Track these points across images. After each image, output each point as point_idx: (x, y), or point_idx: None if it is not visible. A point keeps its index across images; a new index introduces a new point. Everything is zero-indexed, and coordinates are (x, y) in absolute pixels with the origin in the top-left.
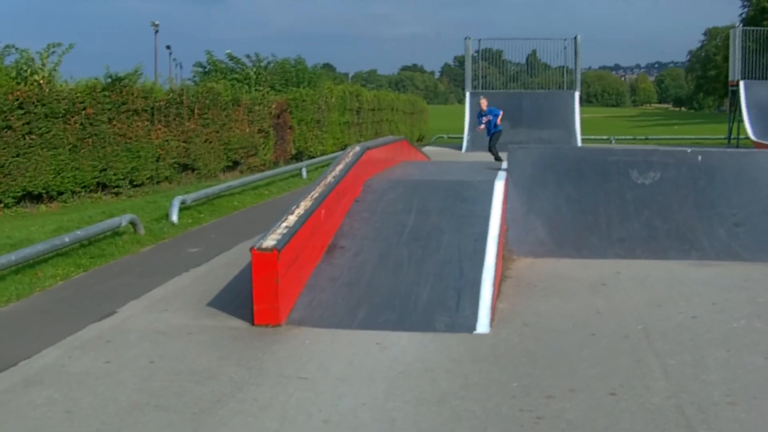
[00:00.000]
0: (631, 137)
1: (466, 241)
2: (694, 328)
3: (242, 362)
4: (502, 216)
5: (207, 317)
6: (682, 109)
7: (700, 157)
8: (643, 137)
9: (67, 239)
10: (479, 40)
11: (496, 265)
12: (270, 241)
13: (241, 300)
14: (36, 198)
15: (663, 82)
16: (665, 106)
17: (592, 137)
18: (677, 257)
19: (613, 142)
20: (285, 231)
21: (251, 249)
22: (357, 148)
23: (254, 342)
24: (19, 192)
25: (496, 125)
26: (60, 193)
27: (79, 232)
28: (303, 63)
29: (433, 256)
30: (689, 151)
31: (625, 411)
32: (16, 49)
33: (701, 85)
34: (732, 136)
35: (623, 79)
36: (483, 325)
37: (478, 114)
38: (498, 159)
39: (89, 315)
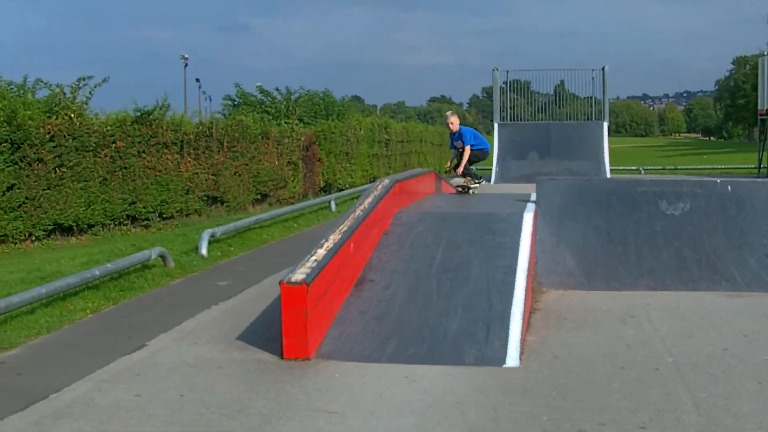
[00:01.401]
0: (660, 167)
1: (495, 273)
2: (725, 359)
3: (271, 396)
4: (531, 248)
5: (236, 350)
6: (711, 138)
7: (729, 187)
8: (672, 167)
9: (97, 272)
10: (507, 72)
11: (526, 297)
12: (299, 275)
13: (270, 333)
14: (66, 230)
15: (692, 111)
16: (694, 135)
17: (621, 168)
18: (707, 287)
19: (642, 172)
20: (314, 264)
21: (280, 283)
22: (386, 181)
23: (283, 375)
24: (49, 224)
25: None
26: (90, 226)
27: (109, 265)
28: (331, 95)
29: (463, 289)
30: (719, 181)
31: None
32: (46, 84)
33: (730, 114)
34: (762, 165)
35: (651, 108)
36: (512, 358)
37: (450, 137)
38: (475, 178)
39: (119, 348)
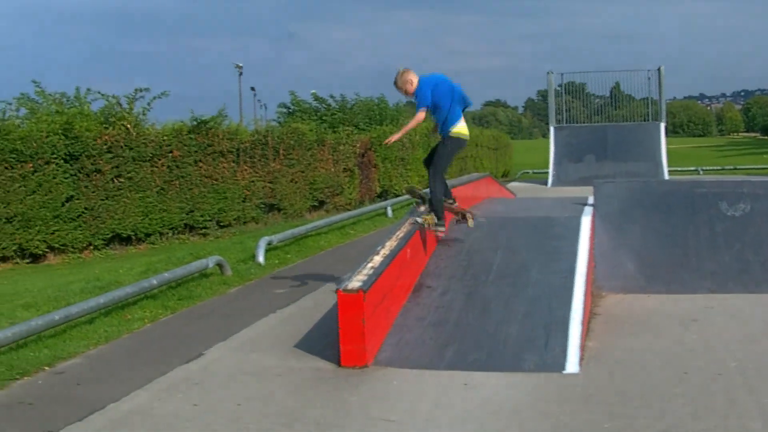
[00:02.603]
0: (719, 167)
1: (553, 278)
2: None
3: (328, 404)
4: (589, 252)
5: (294, 359)
6: None
7: None
8: (731, 167)
9: (155, 281)
10: (561, 74)
11: (585, 302)
12: (356, 282)
13: (328, 341)
14: (125, 240)
15: (750, 110)
16: (753, 134)
17: (679, 168)
18: None
19: (701, 172)
20: (371, 272)
21: (337, 290)
22: None
23: (341, 383)
24: (108, 234)
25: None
26: (148, 235)
27: (166, 275)
28: (385, 101)
29: (521, 294)
30: None
31: None
32: (102, 94)
33: None
34: None
35: (709, 108)
36: (572, 364)
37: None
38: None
39: (177, 357)
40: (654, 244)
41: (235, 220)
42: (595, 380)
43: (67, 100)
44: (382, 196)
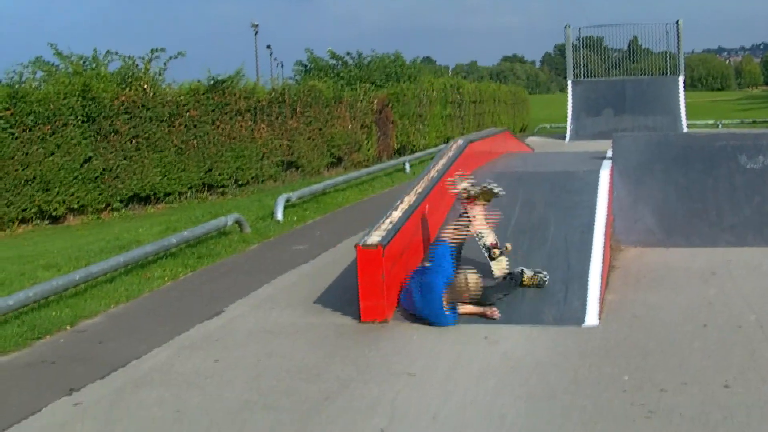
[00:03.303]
0: (738, 121)
1: (572, 232)
2: None
3: (349, 359)
4: (608, 206)
5: (314, 315)
6: None
7: None
8: (750, 120)
9: (174, 240)
10: (579, 28)
11: (604, 256)
12: (375, 238)
13: (347, 297)
14: (143, 200)
15: None
16: None
17: (698, 122)
18: None
19: (719, 126)
20: (389, 227)
21: (356, 246)
22: (460, 142)
23: (361, 339)
24: (126, 194)
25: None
26: (167, 195)
27: (185, 233)
28: (402, 58)
29: (540, 249)
30: None
31: (741, 404)
32: (119, 55)
33: None
34: None
35: (727, 62)
36: (592, 317)
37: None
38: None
39: (197, 315)
40: (673, 198)
41: (253, 178)
42: (614, 334)
43: (85, 62)
44: (400, 152)
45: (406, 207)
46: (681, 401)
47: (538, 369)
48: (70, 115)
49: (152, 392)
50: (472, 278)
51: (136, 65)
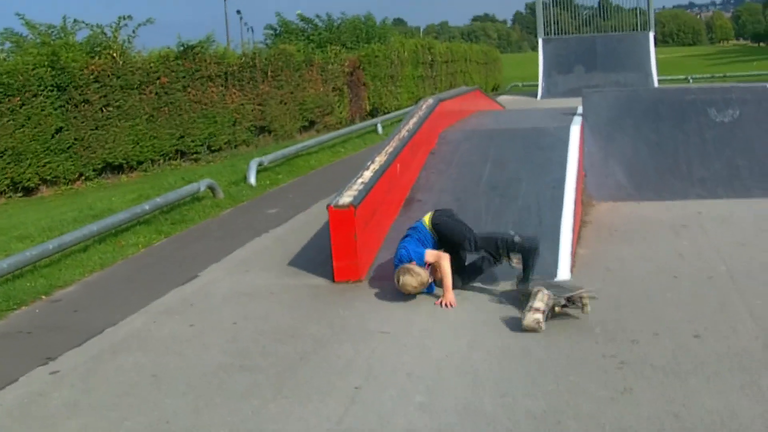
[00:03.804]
0: (708, 75)
1: (543, 188)
2: None
3: (324, 320)
4: (579, 161)
5: (288, 277)
6: (761, 44)
7: None
8: (721, 75)
9: (147, 207)
10: None
11: (575, 211)
12: (346, 198)
13: (321, 258)
14: (116, 169)
15: (740, 18)
16: (743, 42)
17: (670, 78)
18: (760, 195)
19: (690, 81)
20: (361, 187)
21: (328, 207)
22: (430, 101)
23: (336, 299)
24: (99, 164)
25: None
26: (140, 163)
27: (158, 200)
28: (372, 19)
29: (511, 205)
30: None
31: (711, 353)
32: (86, 24)
33: None
34: None
35: (698, 17)
36: (564, 271)
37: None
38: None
39: (172, 280)
40: (644, 153)
41: (225, 144)
42: (587, 286)
43: (53, 32)
44: (373, 114)
45: (377, 167)
46: (652, 352)
47: (511, 324)
48: (39, 86)
49: (129, 358)
50: (402, 280)
51: (105, 33)
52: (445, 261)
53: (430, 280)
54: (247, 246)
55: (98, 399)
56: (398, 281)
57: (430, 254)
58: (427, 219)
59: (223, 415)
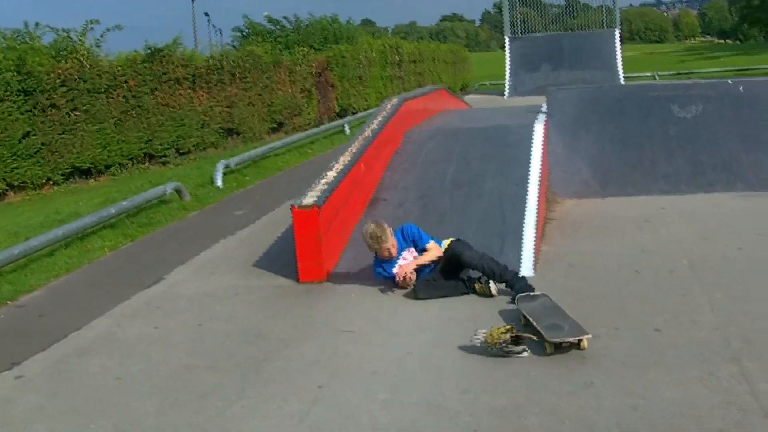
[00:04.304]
0: (675, 72)
1: (507, 185)
2: (740, 259)
3: (289, 320)
4: (543, 159)
5: (254, 277)
6: (727, 41)
7: (741, 87)
8: (687, 72)
9: (113, 210)
10: None
11: (539, 207)
12: (310, 199)
13: (286, 258)
14: (85, 173)
15: (706, 15)
16: (710, 39)
17: (636, 75)
18: (723, 190)
19: (656, 78)
20: (325, 187)
21: (291, 207)
22: (394, 100)
23: (300, 299)
24: (67, 168)
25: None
26: (108, 167)
27: (124, 203)
28: (338, 20)
29: (476, 203)
30: (730, 82)
31: (671, 346)
32: (51, 28)
33: (745, 15)
34: None
35: (666, 14)
36: (527, 268)
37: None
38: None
39: (138, 283)
40: (608, 149)
41: (194, 146)
42: (550, 283)
43: (18, 36)
44: (341, 114)
45: (341, 167)
46: (613, 345)
47: (474, 320)
48: (5, 91)
49: (94, 361)
50: (366, 227)
51: (70, 38)
52: (436, 254)
53: (393, 255)
54: (213, 248)
55: (63, 403)
56: (368, 228)
57: (433, 244)
58: (446, 243)
59: (188, 416)
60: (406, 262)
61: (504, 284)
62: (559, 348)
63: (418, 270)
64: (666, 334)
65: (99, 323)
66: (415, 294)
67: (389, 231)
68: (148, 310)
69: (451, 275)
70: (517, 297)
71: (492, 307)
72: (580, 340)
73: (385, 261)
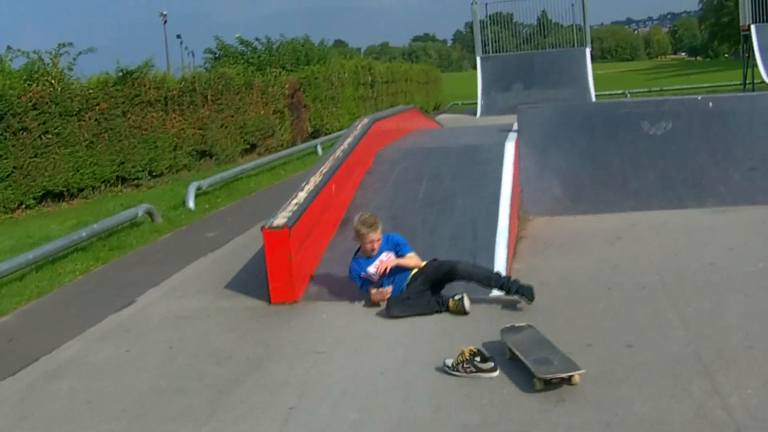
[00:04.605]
0: (646, 89)
1: (479, 204)
2: (711, 274)
3: (260, 341)
4: (514, 177)
5: (225, 299)
6: (698, 58)
7: (711, 104)
8: (658, 89)
9: (84, 233)
10: (486, 4)
11: (510, 225)
12: (281, 219)
13: (258, 280)
14: (57, 196)
15: (677, 32)
16: (681, 56)
17: (607, 93)
18: (694, 205)
19: (627, 95)
20: (295, 208)
21: (262, 228)
22: (365, 120)
23: (272, 320)
24: (39, 192)
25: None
26: (80, 190)
27: (95, 226)
28: (311, 42)
29: (447, 221)
30: (699, 98)
31: (643, 362)
32: (22, 51)
33: (715, 32)
34: (747, 81)
35: (636, 32)
36: None
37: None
38: None
39: (109, 306)
40: (579, 166)
41: (167, 169)
42: (521, 300)
43: None
44: (314, 135)
45: (312, 187)
46: (585, 362)
47: (445, 339)
48: None
49: (63, 384)
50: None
51: (42, 60)
52: (416, 262)
53: (375, 251)
54: (185, 270)
55: (33, 426)
56: (362, 215)
57: (415, 254)
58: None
59: None
60: (388, 259)
61: (499, 288)
62: (549, 384)
63: (393, 285)
64: (638, 350)
65: (69, 346)
66: (389, 311)
67: (380, 226)
68: (119, 332)
69: (438, 288)
70: (501, 329)
71: (463, 324)
72: (571, 376)
73: (363, 258)
